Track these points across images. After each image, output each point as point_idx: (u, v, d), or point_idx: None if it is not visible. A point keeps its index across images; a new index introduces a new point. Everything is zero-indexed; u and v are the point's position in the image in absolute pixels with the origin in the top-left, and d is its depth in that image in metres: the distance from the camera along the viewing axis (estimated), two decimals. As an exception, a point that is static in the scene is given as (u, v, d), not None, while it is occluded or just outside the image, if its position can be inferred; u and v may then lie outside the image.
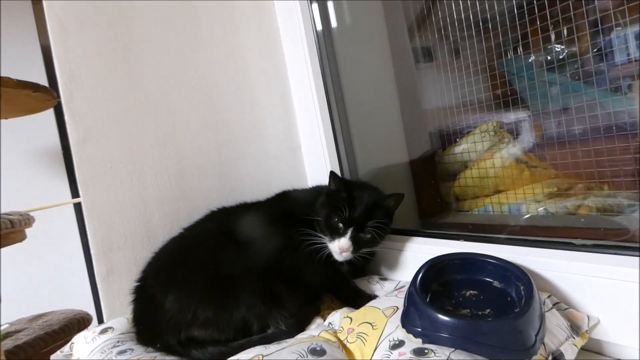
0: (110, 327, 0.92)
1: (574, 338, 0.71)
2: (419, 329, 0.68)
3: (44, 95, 1.26)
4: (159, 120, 1.15)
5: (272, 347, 0.74)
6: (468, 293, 0.77)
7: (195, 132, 1.21)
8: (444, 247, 0.95)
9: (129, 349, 0.83)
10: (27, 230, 1.24)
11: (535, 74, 1.15)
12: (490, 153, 1.30)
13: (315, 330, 0.84)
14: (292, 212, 1.05)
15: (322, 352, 0.71)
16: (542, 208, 1.15)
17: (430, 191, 1.39)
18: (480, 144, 1.30)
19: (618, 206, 1.03)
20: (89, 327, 0.98)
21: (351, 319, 0.81)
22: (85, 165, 1.04)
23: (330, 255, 0.98)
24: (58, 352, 0.96)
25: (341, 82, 1.33)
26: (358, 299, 0.95)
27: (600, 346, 0.77)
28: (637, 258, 0.71)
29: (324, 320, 0.90)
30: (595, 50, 1.03)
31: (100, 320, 1.02)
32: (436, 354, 0.63)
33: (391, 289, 0.98)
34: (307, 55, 1.29)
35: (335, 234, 0.96)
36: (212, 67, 1.25)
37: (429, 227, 1.24)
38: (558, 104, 1.10)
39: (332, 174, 1.02)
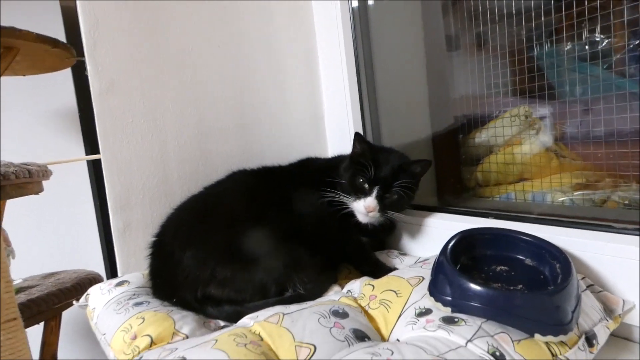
0: (126, 281, 0.91)
1: (607, 321, 0.68)
2: (449, 298, 0.65)
3: (63, 52, 1.24)
4: (183, 77, 1.12)
5: (293, 307, 0.72)
6: (498, 268, 0.74)
7: (218, 93, 1.18)
8: (469, 224, 0.91)
9: (146, 302, 0.81)
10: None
11: (577, 64, 1.10)
12: (518, 139, 1.26)
13: (334, 296, 0.82)
14: (315, 176, 1.02)
15: (345, 315, 0.69)
16: (567, 198, 1.12)
17: (452, 174, 1.35)
18: (509, 129, 1.26)
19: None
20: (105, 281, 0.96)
21: (373, 286, 0.79)
22: (106, 118, 1.01)
23: (352, 222, 0.95)
24: (73, 301, 0.94)
25: (372, 56, 1.29)
26: (378, 270, 0.92)
27: (630, 332, 0.74)
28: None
29: (342, 288, 0.88)
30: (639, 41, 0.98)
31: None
32: (467, 323, 0.61)
33: (412, 263, 0.96)
34: (340, 30, 1.25)
35: (361, 193, 0.93)
36: (239, 27, 1.21)
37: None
38: (596, 94, 1.06)
39: (357, 135, 0.98)
